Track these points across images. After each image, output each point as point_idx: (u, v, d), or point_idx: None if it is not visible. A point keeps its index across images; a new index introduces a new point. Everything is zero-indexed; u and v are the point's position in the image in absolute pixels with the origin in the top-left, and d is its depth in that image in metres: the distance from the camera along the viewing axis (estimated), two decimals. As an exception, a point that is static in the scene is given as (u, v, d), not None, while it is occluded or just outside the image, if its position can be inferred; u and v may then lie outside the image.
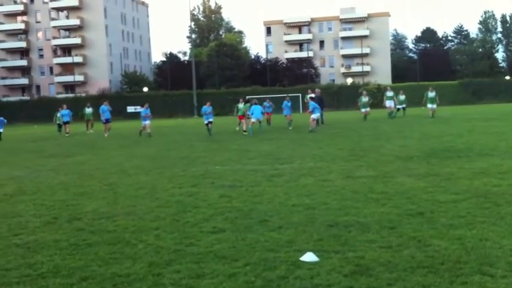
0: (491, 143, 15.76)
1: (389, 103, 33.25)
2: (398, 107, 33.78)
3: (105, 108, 31.11)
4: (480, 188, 8.73)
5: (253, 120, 25.59)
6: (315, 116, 25.02)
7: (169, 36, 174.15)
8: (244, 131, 25.55)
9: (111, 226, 7.22)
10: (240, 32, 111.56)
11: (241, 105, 28.04)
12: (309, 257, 5.29)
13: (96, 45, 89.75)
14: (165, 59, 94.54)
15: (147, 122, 27.14)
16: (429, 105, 30.71)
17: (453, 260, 5.10)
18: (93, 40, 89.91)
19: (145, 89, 79.90)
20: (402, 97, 33.86)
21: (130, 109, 68.19)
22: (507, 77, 71.80)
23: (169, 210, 8.10)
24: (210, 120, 26.75)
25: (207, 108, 27.14)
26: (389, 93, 33.74)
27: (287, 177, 10.98)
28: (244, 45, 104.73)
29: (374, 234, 6.13)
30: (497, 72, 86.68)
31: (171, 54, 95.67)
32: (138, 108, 69.38)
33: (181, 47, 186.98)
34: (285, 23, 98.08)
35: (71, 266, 5.48)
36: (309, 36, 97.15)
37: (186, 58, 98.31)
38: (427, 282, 4.54)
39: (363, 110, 29.62)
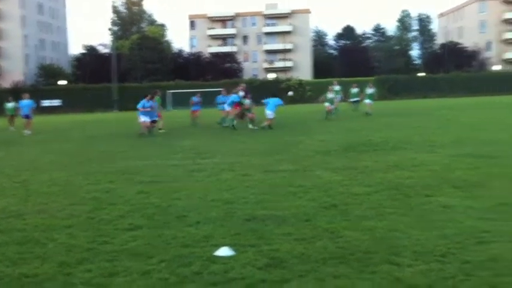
0: (406, 137, 16.42)
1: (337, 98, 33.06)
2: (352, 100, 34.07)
3: (25, 103, 28.61)
4: (392, 180, 9.06)
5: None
6: (271, 113, 22.93)
7: (90, 29, 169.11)
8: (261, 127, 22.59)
9: (20, 225, 6.91)
10: (163, 25, 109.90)
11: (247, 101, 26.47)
12: (224, 251, 5.30)
13: (11, 36, 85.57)
14: (85, 51, 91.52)
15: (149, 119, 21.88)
16: (367, 101, 31.51)
17: (363, 250, 5.26)
18: (8, 31, 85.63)
19: (62, 82, 76.91)
20: (355, 90, 34.01)
21: (45, 103, 65.44)
22: (421, 74, 74.99)
23: (83, 207, 7.86)
24: (154, 119, 22.23)
25: (147, 102, 21.89)
26: (344, 89, 33.85)
27: (208, 172, 10.94)
28: (166, 39, 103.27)
29: (290, 227, 6.22)
30: (412, 69, 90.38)
31: (91, 46, 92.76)
32: (54, 102, 67.12)
33: (103, 40, 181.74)
34: (209, 17, 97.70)
35: (-26, 268, 5.20)
36: (233, 31, 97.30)
37: (107, 51, 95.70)
38: (337, 273, 4.66)
39: (327, 105, 29.45)
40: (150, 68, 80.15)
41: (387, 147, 13.89)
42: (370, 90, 31.60)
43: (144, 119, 21.68)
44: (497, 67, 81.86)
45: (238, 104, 24.31)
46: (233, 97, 24.60)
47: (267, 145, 15.89)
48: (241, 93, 25.13)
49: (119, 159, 13.80)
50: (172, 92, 62.79)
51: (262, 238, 5.82)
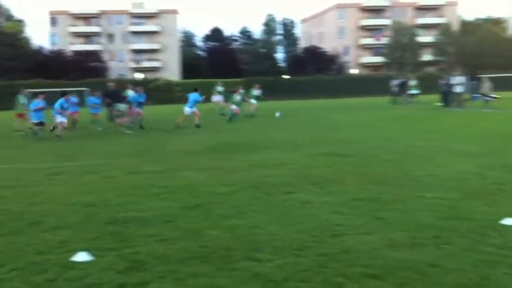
0: (270, 136, 16.94)
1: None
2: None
3: None
4: (255, 179, 9.30)
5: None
6: (189, 110, 22.57)
7: None
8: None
9: None
10: (21, 21, 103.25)
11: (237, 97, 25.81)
12: (82, 256, 5.10)
13: None
14: None
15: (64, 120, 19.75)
16: (253, 101, 31.84)
17: (224, 248, 5.34)
18: None
19: None
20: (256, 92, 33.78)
21: None
22: (286, 76, 77.72)
23: None
24: (42, 120, 20.11)
25: (38, 102, 20.17)
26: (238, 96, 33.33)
27: (69, 175, 10.49)
28: (25, 35, 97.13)
29: (152, 229, 6.14)
30: (277, 72, 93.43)
31: None
32: None
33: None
34: (72, 14, 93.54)
35: None
36: (98, 29, 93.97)
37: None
38: (197, 272, 4.69)
39: (234, 107, 28.71)
40: (6, 65, 74.97)
41: (253, 147, 14.23)
42: (256, 92, 32.14)
43: (61, 119, 19.38)
44: (354, 71, 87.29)
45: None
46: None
47: (133, 146, 15.56)
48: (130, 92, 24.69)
49: (-31, 164, 12.76)
50: (33, 92, 59.12)
51: (123, 241, 5.69)
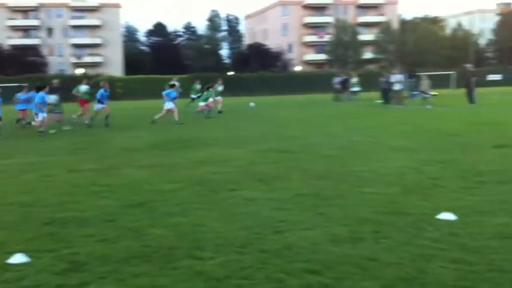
0: (215, 133, 16.90)
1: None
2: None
3: None
4: (200, 176, 9.25)
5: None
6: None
7: None
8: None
9: None
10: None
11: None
12: (18, 258, 4.94)
13: None
14: None
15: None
16: (218, 98, 31.49)
17: (166, 246, 5.29)
18: None
19: None
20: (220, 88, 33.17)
21: None
22: (231, 73, 77.73)
23: None
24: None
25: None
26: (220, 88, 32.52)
27: (6, 174, 10.15)
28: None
29: (92, 228, 6.01)
30: (222, 68, 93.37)
31: None
32: None
33: None
34: (10, 7, 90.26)
35: None
36: (36, 22, 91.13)
37: None
38: (139, 271, 4.62)
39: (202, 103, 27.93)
40: None
41: (197, 144, 14.16)
42: (220, 88, 31.80)
43: (43, 114, 18.58)
44: (298, 68, 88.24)
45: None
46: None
47: (72, 144, 15.19)
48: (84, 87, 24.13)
49: None
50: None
51: (62, 242, 5.54)
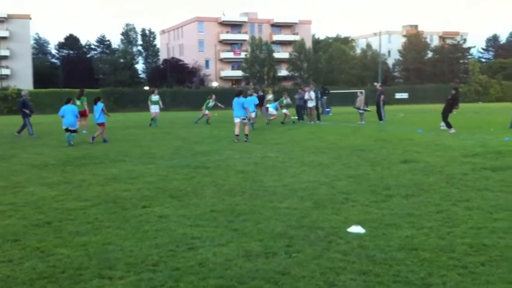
0: (126, 149, 16.52)
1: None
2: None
3: None
4: (110, 193, 9.00)
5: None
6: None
7: None
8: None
9: None
10: None
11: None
12: None
13: None
14: None
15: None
16: (153, 107, 30.87)
17: (75, 267, 5.09)
18: None
19: None
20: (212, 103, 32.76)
21: None
22: (146, 88, 76.62)
23: None
24: None
25: None
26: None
27: None
28: None
29: (-5, 250, 5.69)
30: (137, 82, 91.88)
31: None
32: None
33: None
34: None
35: None
36: None
37: None
38: (44, 294, 4.42)
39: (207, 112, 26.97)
40: None
41: (106, 160, 13.77)
42: (155, 98, 31.24)
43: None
44: (215, 83, 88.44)
45: None
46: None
47: (-26, 160, 14.32)
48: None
49: None
50: None
51: (-40, 264, 5.19)
